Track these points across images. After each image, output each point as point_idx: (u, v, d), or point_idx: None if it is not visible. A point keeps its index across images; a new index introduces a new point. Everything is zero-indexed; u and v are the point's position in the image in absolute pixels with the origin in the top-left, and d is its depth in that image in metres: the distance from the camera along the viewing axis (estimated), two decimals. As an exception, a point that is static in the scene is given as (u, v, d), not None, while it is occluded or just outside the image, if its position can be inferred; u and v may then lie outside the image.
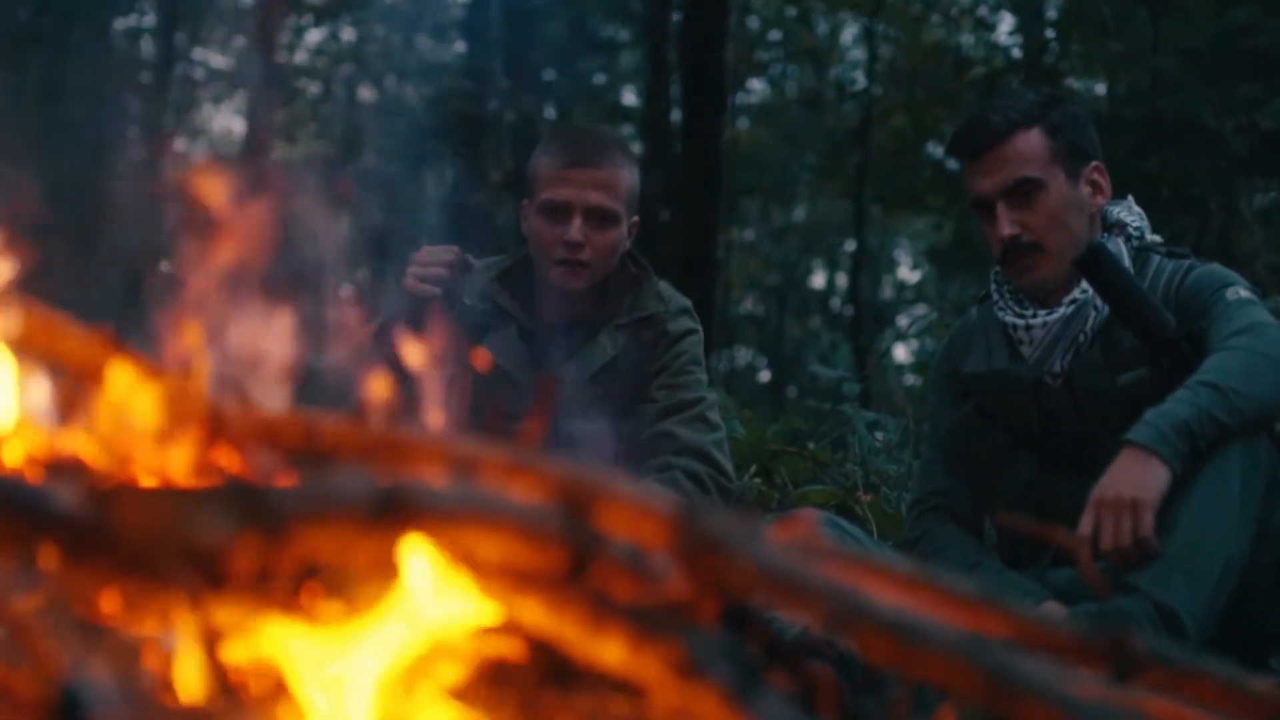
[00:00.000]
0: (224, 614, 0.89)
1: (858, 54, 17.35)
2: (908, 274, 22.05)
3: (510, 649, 0.97)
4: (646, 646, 0.90)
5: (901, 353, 15.31)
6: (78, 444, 1.07)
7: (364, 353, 1.12)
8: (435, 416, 1.10)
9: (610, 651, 0.91)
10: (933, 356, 3.41)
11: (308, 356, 1.19)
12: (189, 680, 0.87)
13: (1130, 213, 2.50)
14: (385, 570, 0.91)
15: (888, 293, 21.59)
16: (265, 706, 0.90)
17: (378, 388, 1.06)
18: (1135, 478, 2.09)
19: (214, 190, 1.17)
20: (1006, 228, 2.40)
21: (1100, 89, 12.83)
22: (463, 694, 0.94)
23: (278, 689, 0.90)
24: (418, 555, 0.90)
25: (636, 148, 12.10)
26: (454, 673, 0.95)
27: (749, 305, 21.06)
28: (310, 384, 1.16)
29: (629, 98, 17.04)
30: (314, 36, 16.07)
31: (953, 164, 8.11)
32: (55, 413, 1.10)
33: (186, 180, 1.17)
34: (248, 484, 0.90)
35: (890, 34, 15.59)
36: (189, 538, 0.86)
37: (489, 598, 0.93)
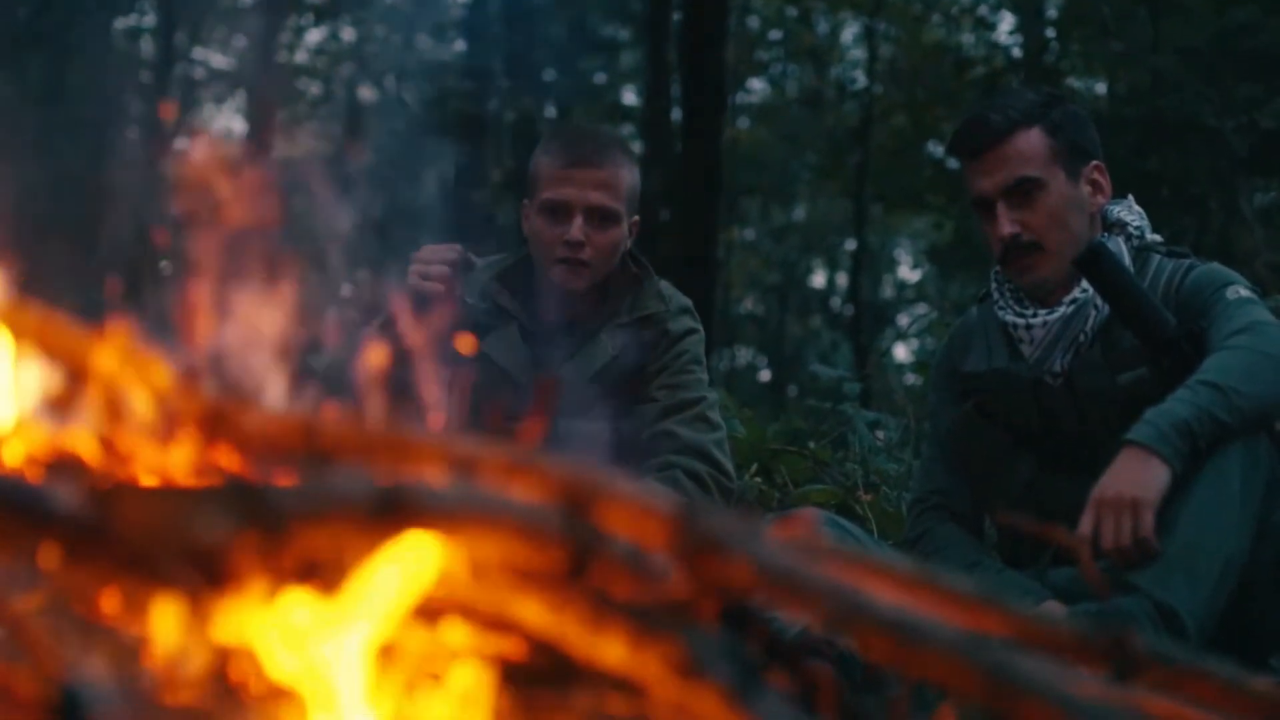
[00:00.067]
0: (224, 613, 0.89)
1: (858, 53, 17.36)
2: (908, 273, 22.09)
3: (510, 649, 0.97)
4: (646, 646, 0.90)
5: (902, 352, 15.33)
6: (78, 443, 1.07)
7: (365, 350, 1.12)
8: (435, 414, 1.10)
9: (610, 651, 0.91)
10: (933, 355, 3.41)
11: (308, 355, 1.19)
12: (189, 680, 0.87)
13: (1130, 212, 2.50)
14: (384, 569, 0.91)
15: (888, 292, 21.62)
16: (265, 706, 0.90)
17: (378, 386, 1.06)
18: (1135, 477, 2.09)
19: (215, 184, 1.17)
20: (1007, 227, 2.40)
21: (1100, 88, 12.85)
22: (463, 694, 0.94)
23: (278, 688, 0.90)
24: (414, 553, 0.90)
25: (637, 147, 12.10)
26: (454, 672, 0.95)
27: (749, 304, 21.08)
28: (311, 383, 1.16)
29: (629, 97, 17.06)
30: (314, 36, 16.08)
31: (953, 163, 8.11)
32: (55, 412, 1.10)
33: (187, 174, 1.17)
34: (248, 483, 0.90)
35: (891, 33, 15.61)
36: (189, 537, 0.86)
37: (489, 597, 0.93)
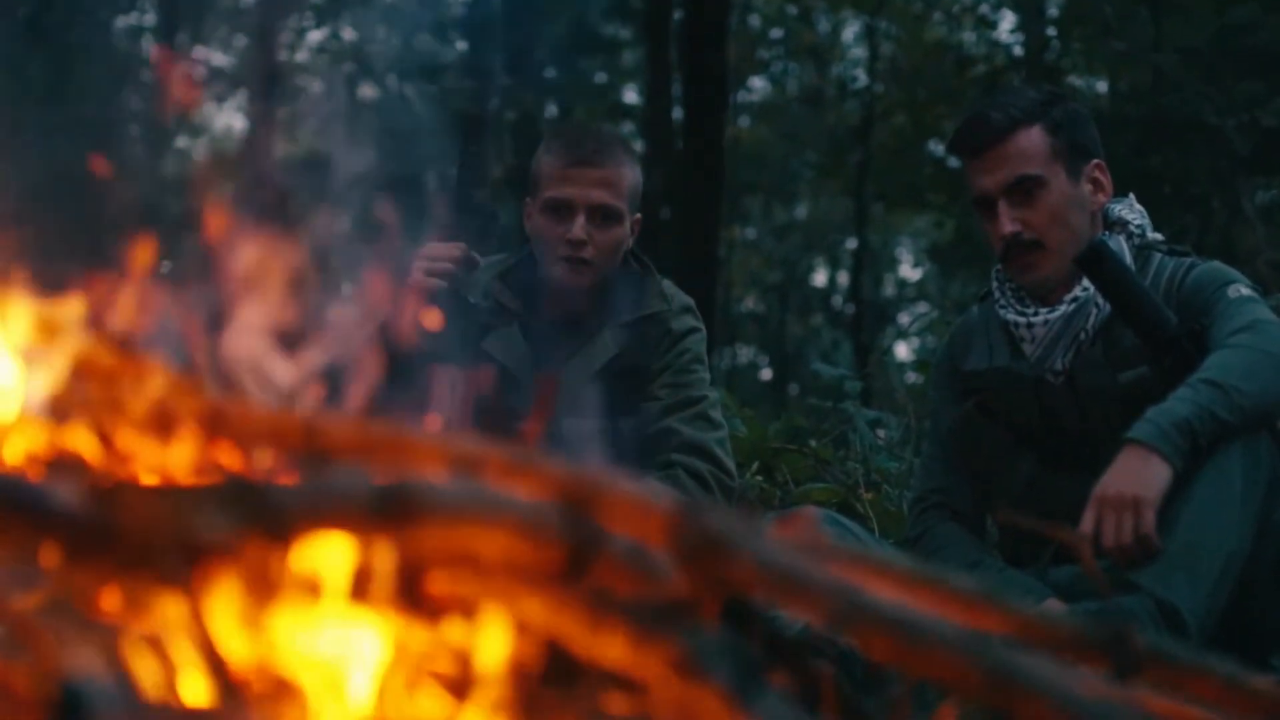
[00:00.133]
0: (224, 612, 0.89)
1: (859, 52, 17.36)
2: (909, 272, 22.07)
3: (510, 648, 0.97)
4: (647, 644, 0.90)
5: (903, 350, 15.31)
6: (78, 441, 1.07)
7: (366, 349, 1.12)
8: (438, 412, 1.10)
9: (611, 649, 0.91)
10: (934, 354, 3.41)
11: (311, 355, 1.19)
12: (190, 679, 0.87)
13: (1131, 210, 2.50)
14: (384, 569, 0.91)
15: (889, 290, 21.61)
16: (267, 705, 0.89)
17: (379, 384, 1.06)
18: (1137, 475, 2.09)
19: (216, 183, 1.17)
20: (1008, 225, 2.40)
21: (1101, 87, 12.85)
22: (463, 693, 0.94)
23: (279, 687, 0.90)
24: (415, 553, 0.90)
25: (638, 146, 12.10)
26: (454, 672, 0.95)
27: (751, 303, 21.07)
28: (311, 382, 1.16)
29: (630, 96, 17.06)
30: (315, 36, 16.08)
31: (954, 162, 8.10)
32: (56, 410, 1.09)
33: (192, 178, 1.17)
34: (249, 482, 0.90)
35: (892, 32, 15.61)
36: (190, 536, 0.86)
37: (489, 596, 0.93)
